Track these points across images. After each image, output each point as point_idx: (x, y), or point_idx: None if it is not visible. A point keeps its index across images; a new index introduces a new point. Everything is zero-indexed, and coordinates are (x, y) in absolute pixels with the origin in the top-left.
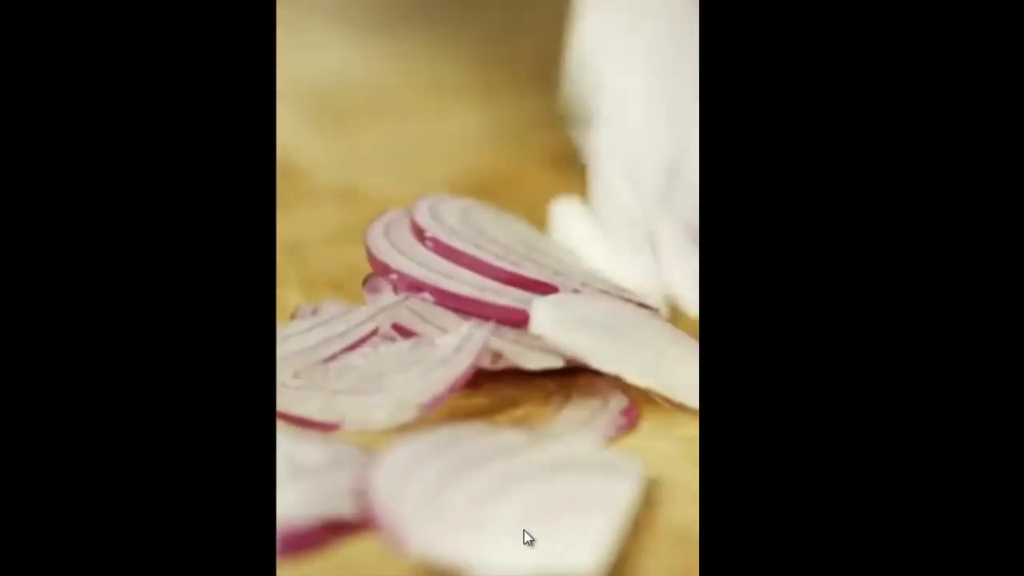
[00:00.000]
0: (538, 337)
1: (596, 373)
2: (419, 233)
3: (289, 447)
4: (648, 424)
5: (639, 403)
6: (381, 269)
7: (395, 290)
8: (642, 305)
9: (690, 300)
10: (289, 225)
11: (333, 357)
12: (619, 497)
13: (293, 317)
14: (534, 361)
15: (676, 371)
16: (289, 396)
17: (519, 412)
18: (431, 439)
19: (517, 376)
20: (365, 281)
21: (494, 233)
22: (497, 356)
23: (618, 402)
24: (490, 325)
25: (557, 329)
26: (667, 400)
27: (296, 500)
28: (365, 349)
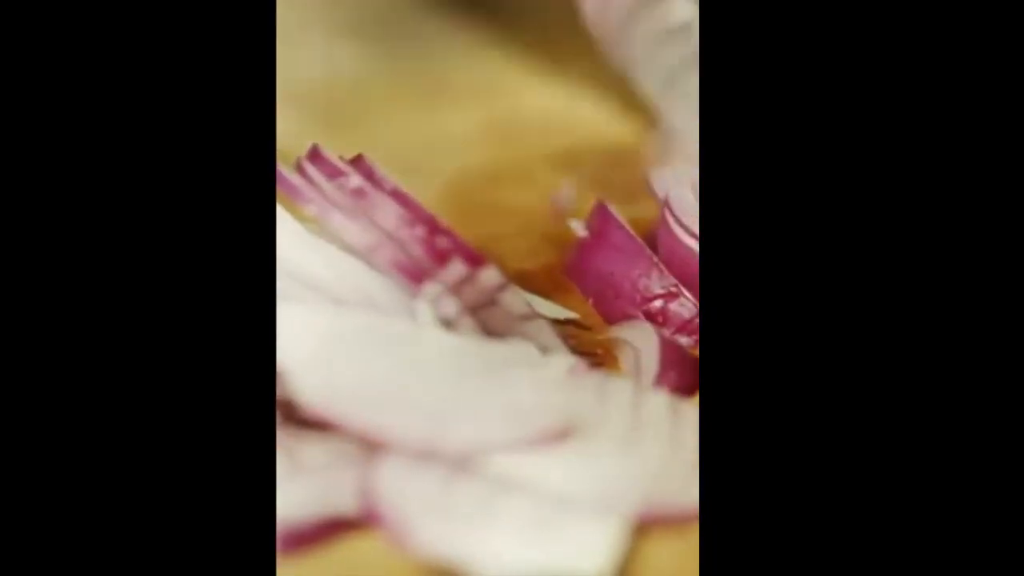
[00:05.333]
0: None
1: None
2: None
3: (290, 444)
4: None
5: None
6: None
7: None
8: None
9: None
10: None
11: None
12: (623, 497)
13: None
14: None
15: None
16: None
17: None
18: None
19: None
20: None
21: None
22: None
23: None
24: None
25: None
26: None
27: (297, 497)
28: None
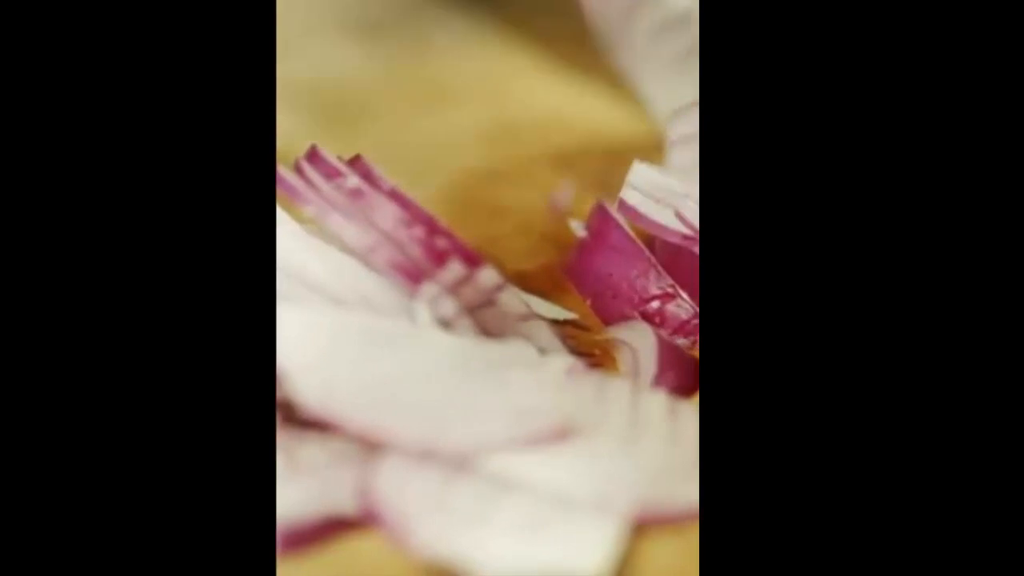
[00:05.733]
0: None
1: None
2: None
3: (290, 444)
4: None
5: None
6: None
7: None
8: None
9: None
10: None
11: None
12: (621, 497)
13: None
14: None
15: None
16: None
17: None
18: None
19: None
20: None
21: None
22: None
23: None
24: None
25: None
26: None
27: (297, 497)
28: None
